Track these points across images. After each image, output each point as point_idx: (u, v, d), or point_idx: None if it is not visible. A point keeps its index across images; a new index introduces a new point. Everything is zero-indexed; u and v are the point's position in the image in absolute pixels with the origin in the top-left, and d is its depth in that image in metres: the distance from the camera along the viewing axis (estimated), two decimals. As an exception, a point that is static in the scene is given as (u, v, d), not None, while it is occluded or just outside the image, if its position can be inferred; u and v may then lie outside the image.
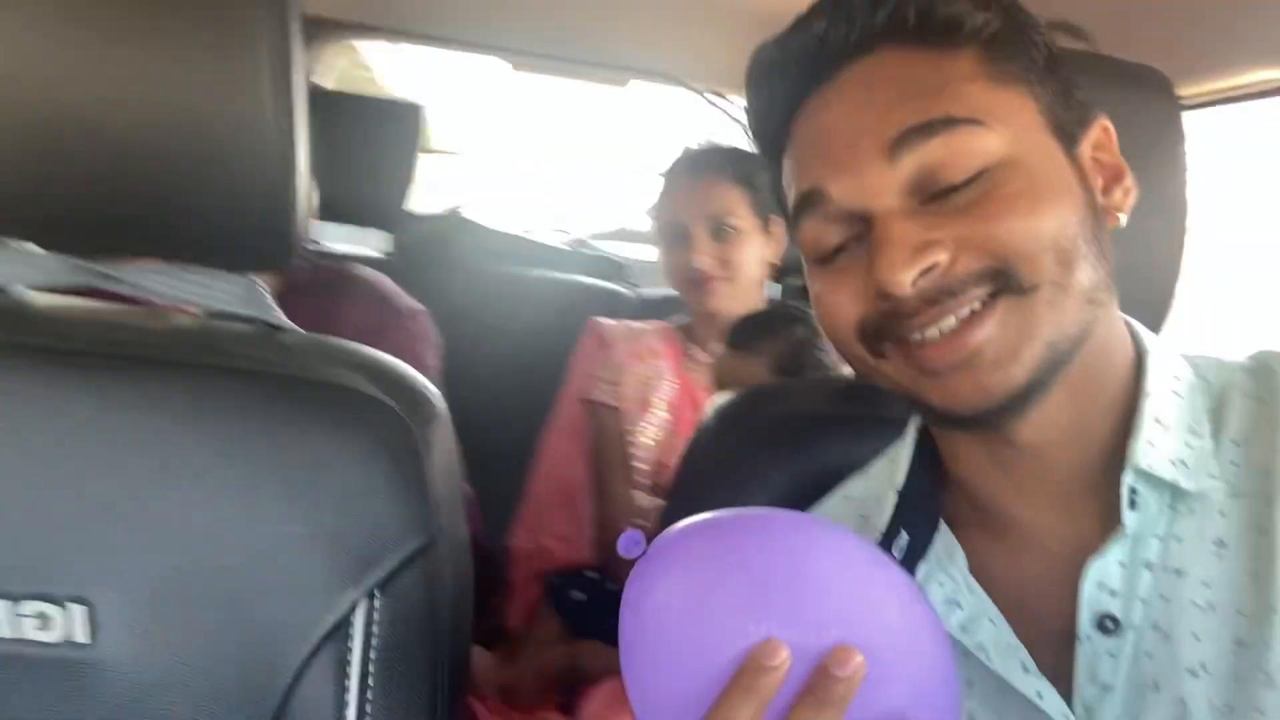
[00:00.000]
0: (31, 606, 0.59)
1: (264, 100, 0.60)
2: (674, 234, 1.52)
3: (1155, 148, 0.83)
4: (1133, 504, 0.56)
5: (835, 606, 0.49)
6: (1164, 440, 0.57)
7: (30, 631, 0.59)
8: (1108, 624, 0.55)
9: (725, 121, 2.01)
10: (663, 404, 1.53)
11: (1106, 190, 0.60)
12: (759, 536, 0.51)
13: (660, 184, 1.59)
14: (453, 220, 2.02)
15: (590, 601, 1.41)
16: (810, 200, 0.60)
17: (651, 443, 1.50)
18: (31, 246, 0.67)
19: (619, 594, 1.45)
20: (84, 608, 0.60)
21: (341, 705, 0.62)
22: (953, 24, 0.57)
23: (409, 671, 0.62)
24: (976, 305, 0.54)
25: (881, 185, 0.56)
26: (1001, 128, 0.55)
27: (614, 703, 1.15)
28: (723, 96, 1.94)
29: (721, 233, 1.49)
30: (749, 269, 1.51)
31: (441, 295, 1.55)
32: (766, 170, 1.57)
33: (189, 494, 0.61)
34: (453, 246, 1.97)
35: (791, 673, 0.47)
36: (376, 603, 0.62)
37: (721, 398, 1.31)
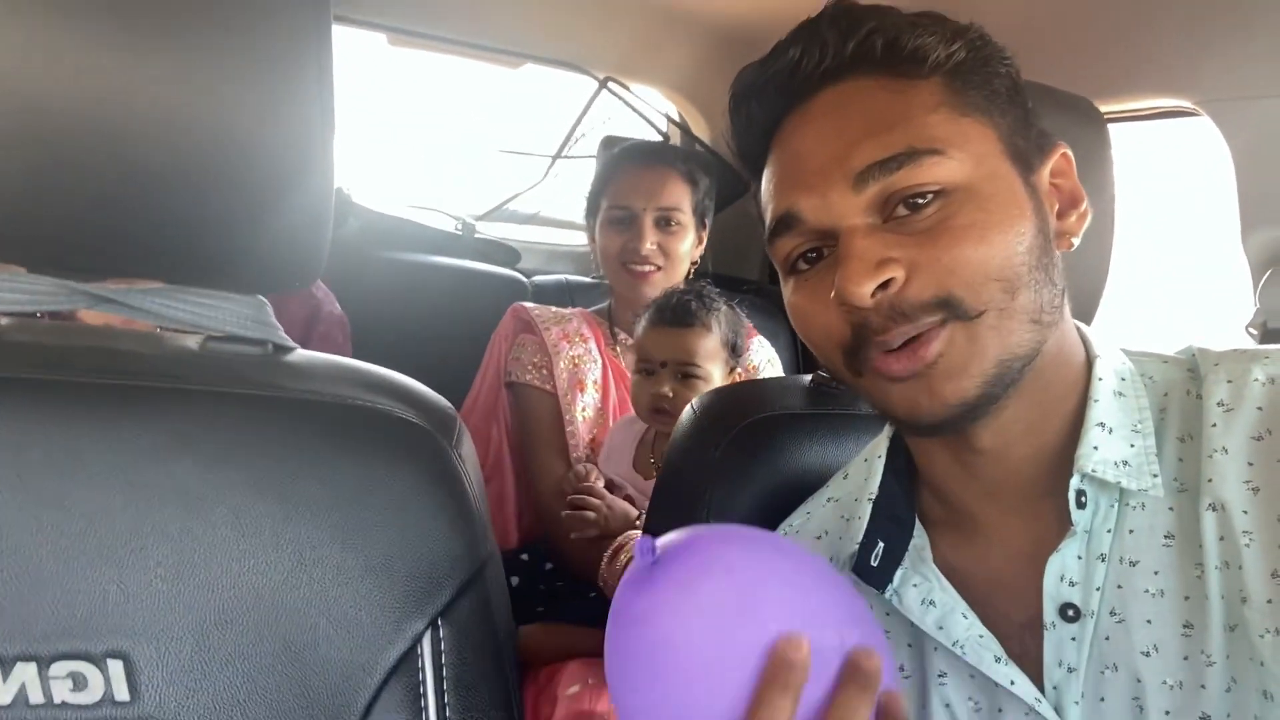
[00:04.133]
0: (63, 667, 0.55)
1: (311, 120, 0.57)
2: (619, 219, 1.58)
3: (1085, 167, 0.92)
4: (1081, 504, 0.60)
5: (825, 607, 0.53)
6: (1108, 444, 0.60)
7: (64, 694, 0.54)
8: (1069, 612, 0.61)
9: (621, 110, 2.02)
10: (594, 384, 1.56)
11: (1062, 215, 0.65)
12: (750, 549, 0.54)
13: (604, 168, 1.64)
14: (338, 202, 1.92)
15: (524, 583, 1.41)
16: (785, 221, 0.64)
17: (583, 420, 1.53)
18: (15, 269, 0.60)
19: (556, 573, 1.44)
20: (121, 662, 0.56)
21: None
22: (918, 55, 0.62)
23: (483, 693, 0.62)
24: (926, 329, 0.59)
25: (847, 208, 0.60)
26: (961, 155, 0.59)
27: (592, 686, 1.17)
28: (622, 85, 1.94)
29: (667, 224, 1.57)
30: (683, 263, 1.60)
31: (333, 282, 1.49)
32: (706, 174, 1.61)
33: (224, 533, 0.58)
34: (340, 230, 1.87)
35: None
36: (441, 631, 0.61)
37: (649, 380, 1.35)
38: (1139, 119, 1.12)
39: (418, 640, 0.60)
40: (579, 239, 2.44)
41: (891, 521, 0.70)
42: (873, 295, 0.58)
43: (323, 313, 1.41)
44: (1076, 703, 0.60)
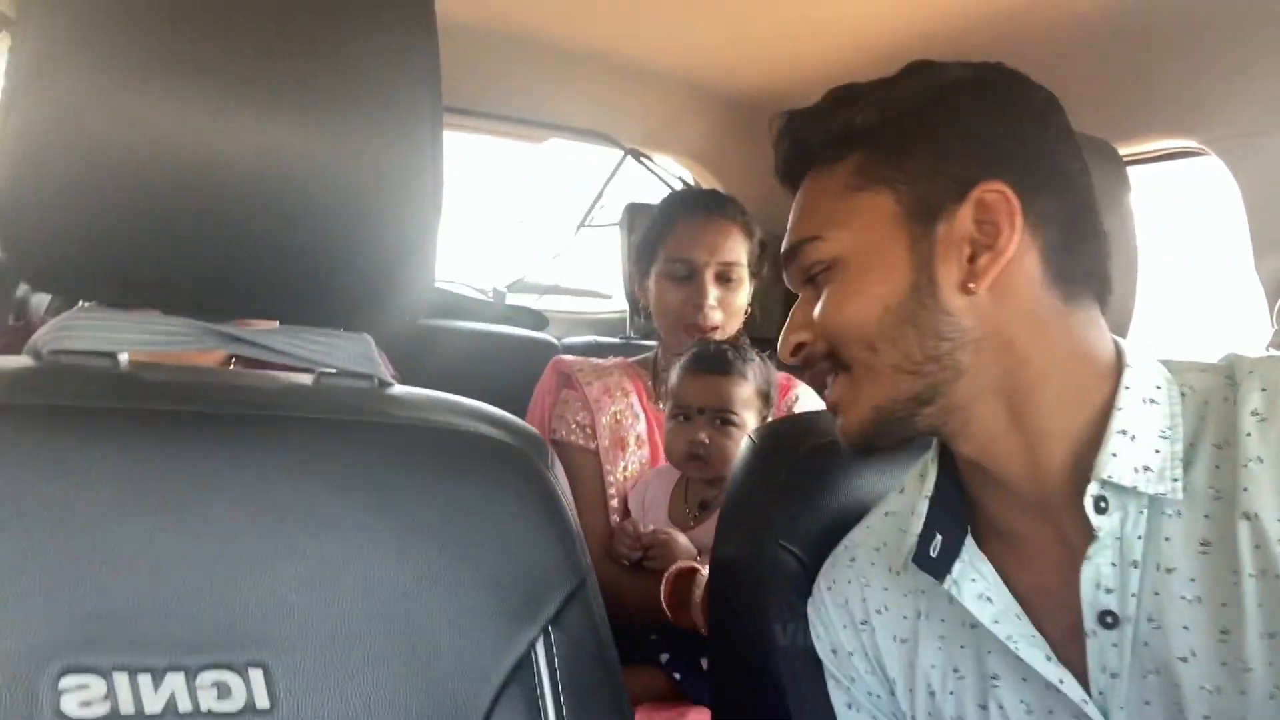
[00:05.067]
0: (209, 677, 0.58)
1: (423, 183, 0.63)
2: (681, 273, 1.52)
3: (1105, 206, 0.99)
4: (1101, 510, 0.62)
5: None
6: (1128, 450, 0.61)
7: (211, 703, 0.57)
8: (1108, 619, 0.62)
9: (636, 177, 2.11)
10: (636, 440, 1.54)
11: (972, 258, 0.65)
12: None
13: (662, 216, 1.58)
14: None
15: None
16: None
17: (625, 479, 1.51)
18: (151, 313, 0.66)
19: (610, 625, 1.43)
20: (261, 671, 0.59)
21: None
22: (842, 137, 0.71)
23: (596, 696, 0.65)
24: (824, 373, 0.74)
25: (793, 280, 0.77)
26: (837, 234, 0.70)
27: None
28: (646, 157, 2.03)
29: (727, 280, 1.53)
30: (739, 317, 1.57)
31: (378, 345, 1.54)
32: (759, 225, 1.67)
33: (346, 549, 0.62)
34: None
35: None
36: (553, 638, 0.64)
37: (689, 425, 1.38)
38: (1151, 160, 1.20)
39: (531, 646, 0.63)
40: (598, 305, 2.51)
41: (947, 515, 0.73)
42: (793, 354, 0.74)
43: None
44: (1122, 708, 0.62)
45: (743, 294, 1.56)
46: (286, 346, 0.68)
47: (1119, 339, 0.70)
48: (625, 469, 1.51)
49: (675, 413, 1.41)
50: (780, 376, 1.58)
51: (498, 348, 2.01)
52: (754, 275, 1.58)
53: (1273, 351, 1.10)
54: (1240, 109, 1.08)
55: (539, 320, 2.16)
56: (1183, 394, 0.65)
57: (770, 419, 1.46)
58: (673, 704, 1.24)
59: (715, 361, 1.39)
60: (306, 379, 0.71)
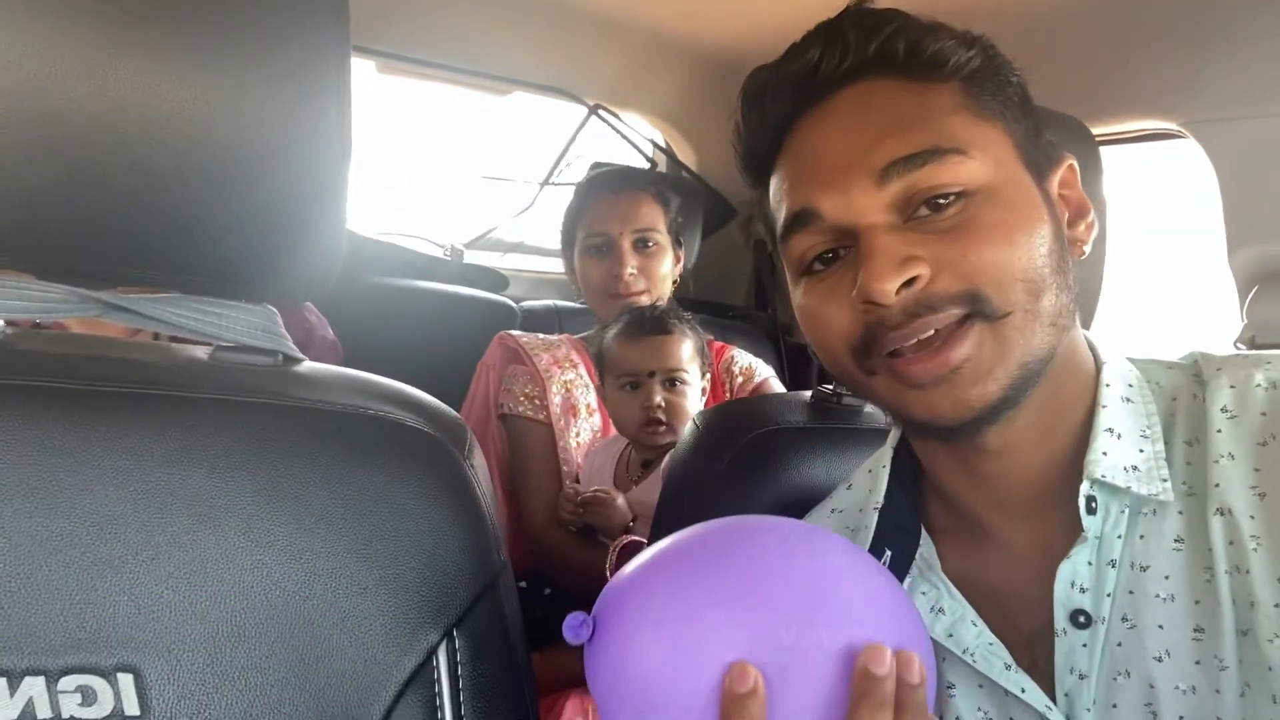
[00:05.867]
0: (71, 681, 0.53)
1: (329, 135, 0.57)
2: (598, 246, 1.59)
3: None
4: (1091, 510, 0.61)
5: (793, 607, 0.51)
6: (1117, 449, 0.61)
7: (73, 709, 0.53)
8: (1080, 618, 0.61)
9: (607, 136, 2.04)
10: (587, 409, 1.56)
11: (1071, 224, 0.66)
12: (676, 577, 0.54)
13: (578, 198, 1.65)
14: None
15: (524, 613, 1.39)
16: (802, 218, 0.64)
17: (577, 446, 1.52)
18: (24, 277, 0.59)
19: (554, 598, 1.43)
20: (131, 676, 0.54)
21: None
22: (938, 59, 0.62)
23: (500, 703, 0.61)
24: (952, 321, 0.58)
25: (869, 204, 0.60)
26: (982, 156, 0.60)
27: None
28: (611, 112, 1.96)
29: (645, 246, 1.58)
30: (665, 283, 1.61)
31: (320, 306, 1.48)
32: (677, 193, 1.63)
33: (236, 543, 0.57)
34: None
35: (822, 673, 0.50)
36: (456, 642, 0.60)
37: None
38: (1127, 141, 1.15)
39: (433, 651, 0.59)
40: (562, 265, 2.45)
41: (898, 530, 0.70)
42: (897, 293, 0.58)
43: (315, 337, 1.40)
44: (1088, 710, 0.60)
45: (664, 261, 1.61)
46: (175, 317, 0.62)
47: (1087, 333, 0.68)
48: (578, 435, 1.53)
49: (622, 382, 1.39)
50: (710, 340, 1.62)
51: (451, 310, 1.94)
52: (677, 243, 1.65)
53: (1240, 347, 1.07)
54: (1220, 92, 1.04)
55: (498, 281, 2.09)
56: (1152, 391, 0.64)
57: (707, 375, 1.47)
58: None
59: (656, 323, 1.39)
60: (202, 352, 0.65)
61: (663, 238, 1.61)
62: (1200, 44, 1.04)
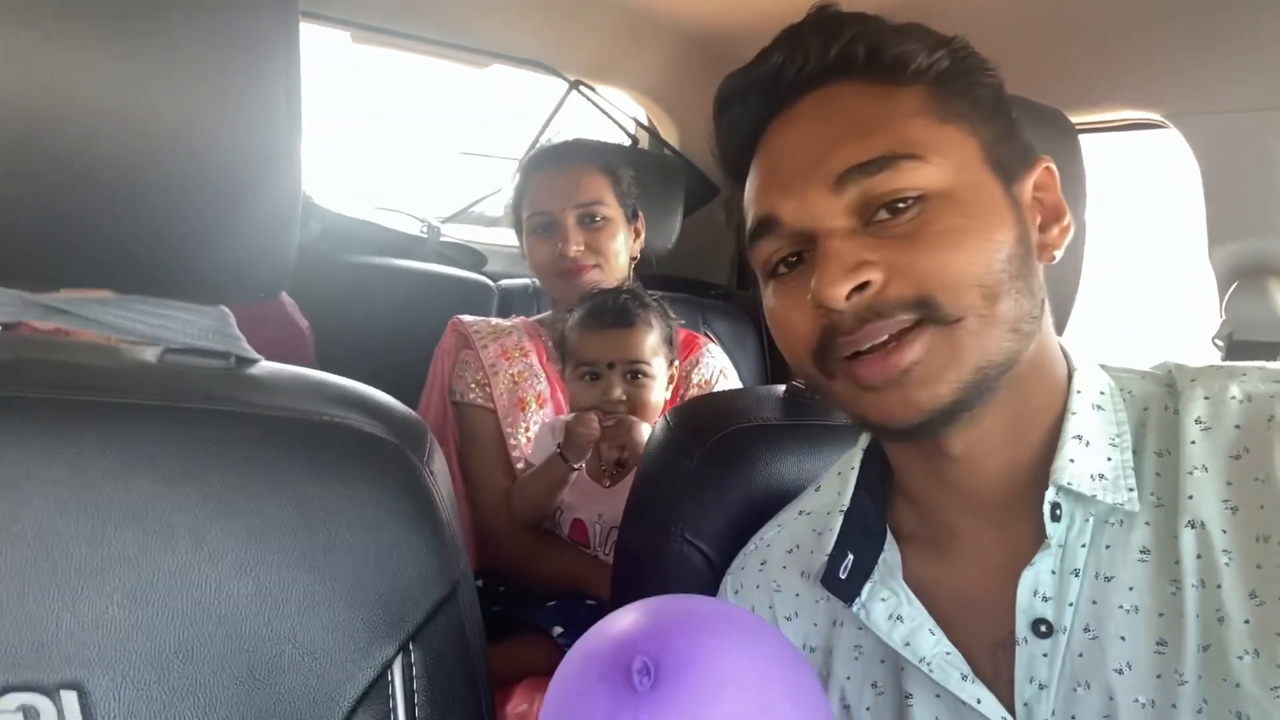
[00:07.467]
0: (13, 700, 0.52)
1: (277, 121, 0.55)
2: (542, 225, 1.51)
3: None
4: (1055, 517, 0.60)
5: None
6: (1085, 456, 0.60)
7: (14, 728, 0.51)
8: (1041, 627, 0.60)
9: (590, 112, 2.00)
10: (536, 399, 1.49)
11: (1044, 228, 0.65)
12: (751, 654, 0.53)
13: (521, 176, 1.57)
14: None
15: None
16: (766, 224, 0.64)
17: (526, 440, 1.46)
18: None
19: (509, 594, 1.39)
20: (75, 693, 0.53)
21: None
22: (900, 63, 0.62)
23: (458, 714, 0.60)
24: (903, 325, 0.58)
25: (826, 210, 0.60)
26: (941, 161, 0.59)
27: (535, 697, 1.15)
28: (591, 88, 1.93)
29: (591, 221, 1.50)
30: (618, 258, 1.53)
31: (293, 287, 1.45)
32: (627, 164, 1.55)
33: (184, 556, 0.55)
34: (300, 234, 1.82)
35: None
36: (413, 656, 0.59)
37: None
38: (1109, 130, 1.14)
39: (388, 666, 0.58)
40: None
41: (862, 534, 0.69)
42: (848, 298, 0.58)
43: (304, 335, 1.37)
44: None
45: (615, 236, 1.52)
46: (119, 319, 0.60)
47: (1059, 339, 0.67)
48: (527, 429, 1.47)
49: (582, 371, 1.35)
50: (683, 333, 1.55)
51: (428, 289, 1.90)
52: (633, 215, 1.57)
53: (1218, 343, 1.07)
54: (1204, 83, 1.02)
55: (475, 259, 2.06)
56: (1124, 400, 0.64)
57: (675, 364, 1.42)
58: None
59: (618, 314, 1.33)
60: (151, 355, 0.63)
61: (611, 211, 1.51)
62: (1185, 35, 1.02)
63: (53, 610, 0.53)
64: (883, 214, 0.59)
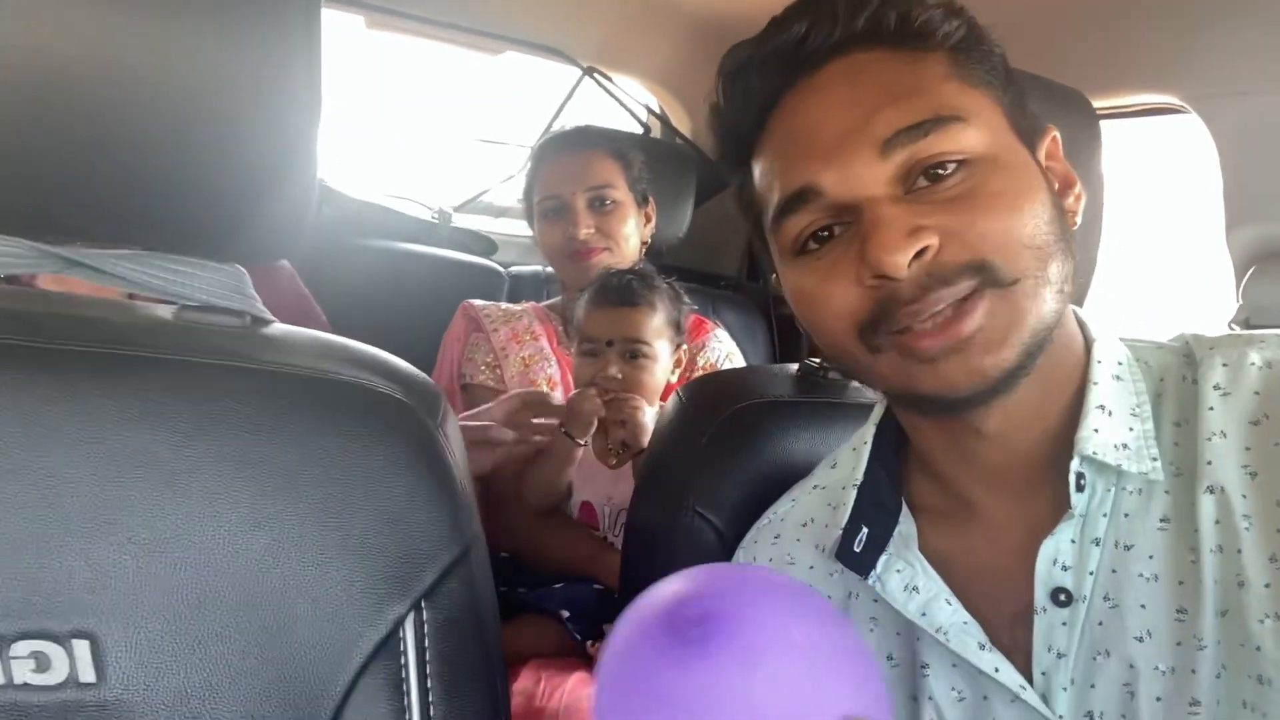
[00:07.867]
0: (25, 646, 0.52)
1: (297, 89, 0.55)
2: (553, 209, 1.53)
3: (1076, 159, 0.92)
4: (1080, 487, 0.60)
5: (873, 676, 0.52)
6: (1108, 426, 0.60)
7: (26, 675, 0.52)
8: (1061, 596, 0.60)
9: (603, 101, 2.00)
10: (547, 383, 1.50)
11: (1061, 194, 0.64)
12: (805, 616, 0.53)
13: (532, 162, 1.59)
14: (311, 188, 1.88)
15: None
16: (801, 196, 0.61)
17: None
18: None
19: (518, 576, 1.39)
20: (87, 642, 0.53)
21: None
22: (925, 29, 0.61)
23: (468, 680, 0.60)
24: (965, 293, 0.57)
25: (871, 177, 0.58)
26: (980, 124, 0.59)
27: (544, 682, 1.14)
28: (604, 75, 1.92)
29: (601, 205, 1.52)
30: (629, 242, 1.54)
31: (304, 269, 1.45)
32: (639, 150, 1.54)
33: (198, 508, 0.55)
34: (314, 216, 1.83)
35: None
36: (424, 614, 0.59)
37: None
38: (1128, 115, 1.13)
39: (399, 624, 0.58)
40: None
41: (876, 507, 0.69)
42: (908, 265, 0.56)
43: (314, 312, 1.37)
44: (1065, 689, 0.59)
45: (627, 220, 1.54)
46: (136, 274, 0.60)
47: (1076, 308, 0.66)
48: None
49: (584, 348, 1.35)
50: (692, 317, 1.55)
51: (438, 274, 1.90)
52: (644, 200, 1.59)
53: (1234, 328, 1.06)
54: (1224, 66, 1.01)
55: (486, 245, 2.06)
56: (1141, 370, 0.63)
57: (682, 348, 1.42)
58: (561, 660, 1.20)
59: (622, 292, 1.33)
60: (167, 312, 0.63)
61: (621, 195, 1.54)
62: (1205, 17, 1.01)
63: (65, 559, 0.53)
64: (923, 181, 0.58)
